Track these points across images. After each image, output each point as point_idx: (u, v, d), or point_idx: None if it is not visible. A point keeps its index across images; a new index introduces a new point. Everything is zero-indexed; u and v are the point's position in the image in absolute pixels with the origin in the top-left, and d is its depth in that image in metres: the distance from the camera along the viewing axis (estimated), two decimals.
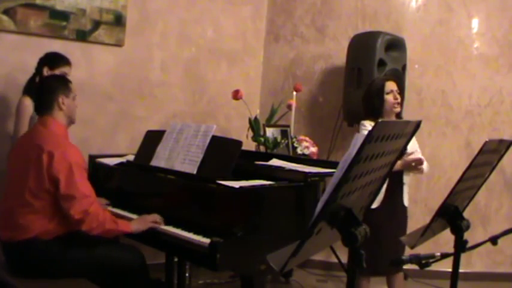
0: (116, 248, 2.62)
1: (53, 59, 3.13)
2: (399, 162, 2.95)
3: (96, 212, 2.39)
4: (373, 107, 3.01)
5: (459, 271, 1.90)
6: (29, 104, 3.04)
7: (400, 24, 4.35)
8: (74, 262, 2.44)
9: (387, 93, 2.98)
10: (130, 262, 2.56)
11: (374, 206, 2.97)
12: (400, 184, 3.03)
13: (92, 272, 2.47)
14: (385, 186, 2.95)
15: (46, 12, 3.47)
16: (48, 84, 2.63)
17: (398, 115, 3.08)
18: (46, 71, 3.10)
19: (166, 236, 2.47)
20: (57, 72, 3.10)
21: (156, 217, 2.53)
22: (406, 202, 3.07)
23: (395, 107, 2.99)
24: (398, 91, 3.02)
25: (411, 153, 2.95)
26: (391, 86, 3.00)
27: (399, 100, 3.01)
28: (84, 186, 2.42)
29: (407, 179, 3.05)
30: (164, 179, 2.75)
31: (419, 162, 2.93)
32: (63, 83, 2.62)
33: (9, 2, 3.33)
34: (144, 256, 2.65)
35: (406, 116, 3.41)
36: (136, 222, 2.51)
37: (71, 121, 2.63)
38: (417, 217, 3.99)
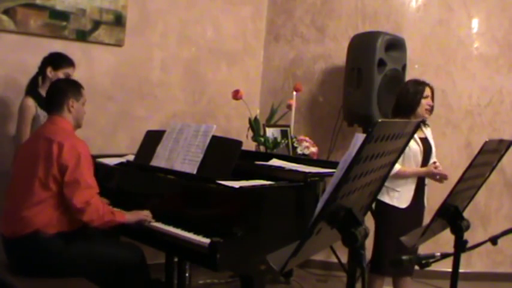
0: (116, 245, 2.67)
1: (57, 60, 3.11)
2: (424, 169, 3.03)
3: (96, 205, 2.44)
4: (408, 106, 3.04)
5: (459, 271, 1.89)
6: (31, 104, 3.03)
7: (400, 24, 4.35)
8: (74, 259, 2.46)
9: (424, 97, 3.04)
10: (130, 259, 2.58)
11: (403, 205, 3.00)
12: (423, 185, 3.12)
13: (91, 269, 2.49)
14: (413, 187, 3.02)
15: (46, 12, 3.47)
16: (60, 86, 2.71)
17: (424, 121, 3.12)
18: (49, 71, 3.09)
19: (166, 236, 2.47)
20: (60, 73, 3.09)
21: (148, 213, 2.59)
22: (426, 202, 3.14)
23: (427, 112, 3.06)
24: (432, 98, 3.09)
25: (439, 166, 3.00)
26: (429, 91, 3.08)
27: (432, 106, 3.08)
28: (89, 176, 2.50)
29: (428, 180, 3.13)
30: (164, 179, 2.75)
31: (444, 177, 2.98)
32: (75, 87, 2.71)
33: (9, 2, 3.33)
34: (144, 254, 2.67)
35: None
36: (129, 214, 2.58)
37: (77, 125, 2.73)
38: None
